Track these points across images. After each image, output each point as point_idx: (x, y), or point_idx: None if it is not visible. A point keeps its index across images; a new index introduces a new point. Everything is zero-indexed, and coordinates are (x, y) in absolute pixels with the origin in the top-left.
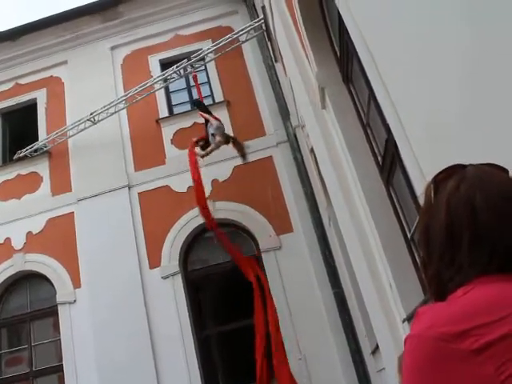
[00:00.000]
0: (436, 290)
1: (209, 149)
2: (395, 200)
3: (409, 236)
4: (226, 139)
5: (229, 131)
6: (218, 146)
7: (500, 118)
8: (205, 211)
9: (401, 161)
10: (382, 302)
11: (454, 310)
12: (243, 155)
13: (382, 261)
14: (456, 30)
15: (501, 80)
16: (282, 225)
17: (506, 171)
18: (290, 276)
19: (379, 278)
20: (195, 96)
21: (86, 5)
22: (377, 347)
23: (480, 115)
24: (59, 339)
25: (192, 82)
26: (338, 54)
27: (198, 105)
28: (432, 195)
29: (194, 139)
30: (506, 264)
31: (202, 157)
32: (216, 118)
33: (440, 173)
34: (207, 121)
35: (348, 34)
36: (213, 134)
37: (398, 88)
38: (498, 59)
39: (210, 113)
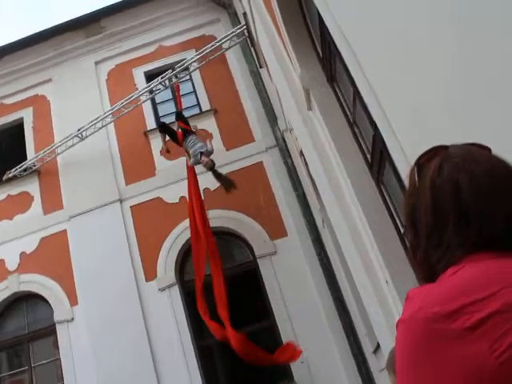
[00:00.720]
0: (425, 273)
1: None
2: (386, 197)
3: (402, 232)
4: (211, 167)
5: (217, 139)
6: (195, 163)
7: (484, 109)
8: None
9: (389, 156)
10: (380, 300)
11: (444, 290)
12: (226, 187)
13: (378, 259)
14: (437, 24)
15: (483, 73)
16: (276, 230)
17: (488, 149)
18: (287, 280)
19: (375, 275)
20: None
21: (68, 21)
22: (378, 346)
23: (464, 106)
24: (59, 358)
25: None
26: (321, 54)
27: (180, 117)
28: (416, 178)
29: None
30: (494, 242)
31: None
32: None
33: (423, 155)
34: (190, 132)
35: (329, 33)
36: (201, 153)
37: (381, 84)
38: (480, 52)
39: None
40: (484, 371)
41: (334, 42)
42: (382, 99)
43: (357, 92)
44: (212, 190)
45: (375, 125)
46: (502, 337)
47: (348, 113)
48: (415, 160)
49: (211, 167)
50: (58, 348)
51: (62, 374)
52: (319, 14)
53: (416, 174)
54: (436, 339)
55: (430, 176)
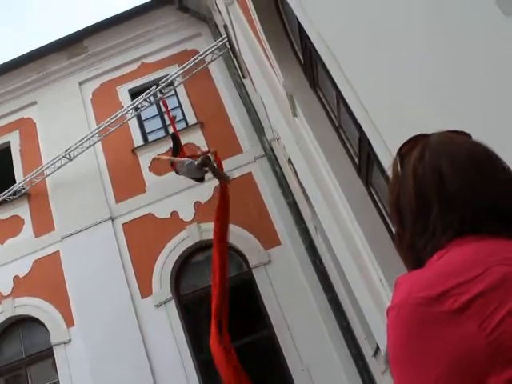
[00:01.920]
0: (413, 260)
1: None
2: (376, 198)
3: (394, 232)
4: (208, 159)
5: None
6: (194, 167)
7: (465, 104)
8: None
9: (376, 157)
10: (376, 301)
11: (431, 274)
12: (225, 179)
13: (371, 260)
14: (415, 25)
15: (464, 72)
16: (269, 239)
17: (468, 135)
18: (283, 289)
19: (370, 278)
20: (168, 121)
21: (50, 43)
22: (378, 348)
23: (448, 102)
24: (58, 381)
25: (164, 108)
26: (303, 60)
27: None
28: (398, 167)
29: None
30: (478, 225)
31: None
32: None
33: (404, 144)
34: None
35: (309, 39)
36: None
37: (363, 86)
38: (456, 49)
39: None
40: (475, 351)
41: (314, 47)
42: (364, 101)
43: (340, 95)
44: (203, 202)
45: (360, 127)
46: (490, 316)
47: (333, 117)
48: (397, 150)
49: (208, 158)
50: (56, 370)
51: None
52: (298, 21)
53: (398, 164)
54: (425, 323)
55: (412, 164)
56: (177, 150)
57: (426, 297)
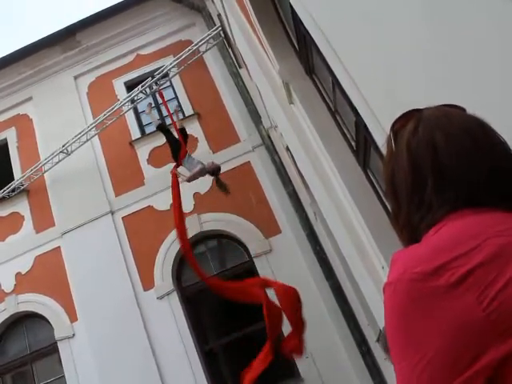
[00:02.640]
0: (409, 236)
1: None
2: (374, 182)
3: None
4: (219, 170)
5: (203, 142)
6: (199, 173)
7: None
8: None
9: (373, 141)
10: (378, 286)
11: (427, 249)
12: (225, 191)
13: (371, 245)
14: (411, 5)
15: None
16: (269, 228)
17: (462, 109)
18: (285, 277)
19: (371, 263)
20: (165, 113)
21: (43, 38)
22: (380, 333)
23: (443, 82)
24: (63, 376)
25: (160, 100)
26: (297, 47)
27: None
28: (392, 143)
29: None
30: (474, 198)
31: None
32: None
33: (397, 120)
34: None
35: (303, 25)
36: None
37: (359, 69)
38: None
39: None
40: (473, 323)
41: (308, 33)
42: (360, 85)
43: (335, 80)
44: (202, 193)
45: (356, 111)
46: (488, 288)
47: (329, 102)
48: (390, 126)
49: (219, 169)
50: (61, 365)
51: None
52: (292, 7)
53: (392, 140)
54: (422, 298)
55: (405, 139)
56: (177, 147)
57: (422, 272)
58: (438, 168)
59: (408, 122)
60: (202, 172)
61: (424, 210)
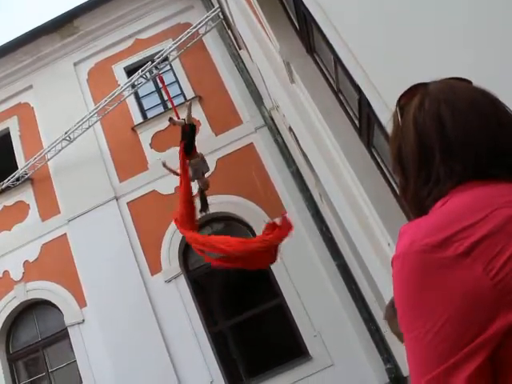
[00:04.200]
0: (417, 210)
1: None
2: (379, 160)
3: (397, 184)
4: (206, 188)
5: (205, 125)
6: (195, 178)
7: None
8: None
9: (377, 118)
10: (384, 264)
11: (434, 221)
12: (204, 208)
13: (377, 223)
14: None
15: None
16: (274, 209)
17: (468, 81)
18: (292, 257)
19: (377, 241)
20: (165, 97)
21: (41, 25)
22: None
23: (445, 58)
24: (75, 361)
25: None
26: (297, 26)
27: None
28: (399, 118)
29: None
30: (481, 170)
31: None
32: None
33: (403, 95)
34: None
35: (303, 3)
36: (203, 172)
37: (360, 46)
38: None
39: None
40: (481, 293)
41: (308, 10)
42: (363, 62)
43: (337, 58)
44: (206, 176)
45: (359, 88)
46: (496, 257)
47: (331, 81)
48: (396, 101)
49: (207, 187)
50: (72, 351)
51: (80, 376)
52: None
53: (398, 114)
54: (431, 269)
55: (412, 114)
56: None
57: (430, 243)
58: (445, 142)
59: (414, 96)
60: (191, 179)
61: (431, 184)
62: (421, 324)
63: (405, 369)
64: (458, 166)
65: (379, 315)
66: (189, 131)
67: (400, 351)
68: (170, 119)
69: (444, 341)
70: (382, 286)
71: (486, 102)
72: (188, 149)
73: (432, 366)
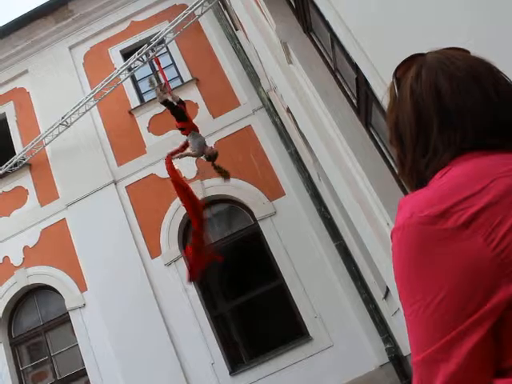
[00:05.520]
0: (416, 182)
1: (184, 153)
2: (377, 139)
3: (397, 172)
4: (215, 156)
5: (203, 108)
6: (200, 153)
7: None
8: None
9: (374, 97)
10: (384, 244)
11: (434, 192)
12: (224, 176)
13: (377, 203)
14: None
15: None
16: (273, 190)
17: (466, 51)
18: (291, 239)
19: (376, 221)
20: (162, 80)
21: (35, 8)
22: (387, 291)
23: (445, 33)
24: (77, 344)
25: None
26: (294, 5)
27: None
28: (395, 90)
29: (169, 153)
30: (480, 140)
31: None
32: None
33: (399, 66)
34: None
35: None
36: (205, 144)
37: (357, 24)
38: None
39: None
40: (482, 264)
41: None
42: (360, 40)
43: (334, 37)
44: (204, 160)
45: (357, 67)
46: (496, 228)
47: (328, 60)
48: (393, 73)
49: (215, 155)
50: (74, 334)
51: (82, 359)
52: None
53: (395, 86)
54: (431, 240)
55: (408, 84)
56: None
57: (429, 215)
58: (443, 112)
59: (410, 67)
60: (197, 155)
61: (430, 155)
62: (421, 297)
63: (404, 348)
64: (457, 136)
65: (378, 295)
66: (170, 105)
67: (399, 331)
68: (180, 157)
69: (445, 313)
70: (381, 266)
71: (484, 70)
72: (181, 116)
73: (433, 339)
